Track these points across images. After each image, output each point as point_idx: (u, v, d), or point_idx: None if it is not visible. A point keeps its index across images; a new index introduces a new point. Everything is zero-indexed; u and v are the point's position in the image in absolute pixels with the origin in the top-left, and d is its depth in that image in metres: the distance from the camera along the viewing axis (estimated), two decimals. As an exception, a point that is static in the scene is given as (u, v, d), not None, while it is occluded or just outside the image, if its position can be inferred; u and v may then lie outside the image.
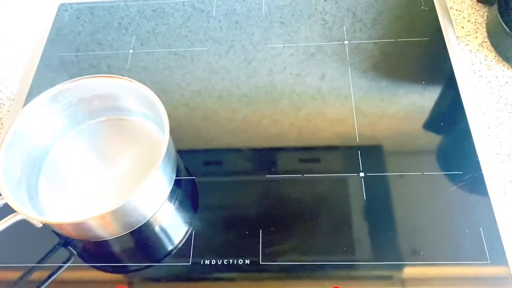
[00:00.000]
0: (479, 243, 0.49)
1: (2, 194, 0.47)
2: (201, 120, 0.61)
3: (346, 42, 0.66)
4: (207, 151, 0.59)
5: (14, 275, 0.51)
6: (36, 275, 0.51)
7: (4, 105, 0.65)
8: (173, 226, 0.53)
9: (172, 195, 0.55)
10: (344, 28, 0.67)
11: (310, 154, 0.57)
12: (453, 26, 0.65)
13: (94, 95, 0.55)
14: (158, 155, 0.48)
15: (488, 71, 0.61)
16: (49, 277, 0.51)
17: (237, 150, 0.58)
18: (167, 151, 0.49)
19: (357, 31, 0.67)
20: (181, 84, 0.64)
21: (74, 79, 0.54)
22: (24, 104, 0.63)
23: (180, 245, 0.51)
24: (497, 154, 0.54)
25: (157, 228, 0.53)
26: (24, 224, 0.48)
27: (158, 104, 0.51)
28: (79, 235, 0.51)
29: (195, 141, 0.59)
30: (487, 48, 0.63)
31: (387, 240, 0.50)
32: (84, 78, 0.54)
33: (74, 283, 0.50)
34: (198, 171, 0.57)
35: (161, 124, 0.52)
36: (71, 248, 0.53)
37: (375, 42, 0.65)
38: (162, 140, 0.54)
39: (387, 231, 0.50)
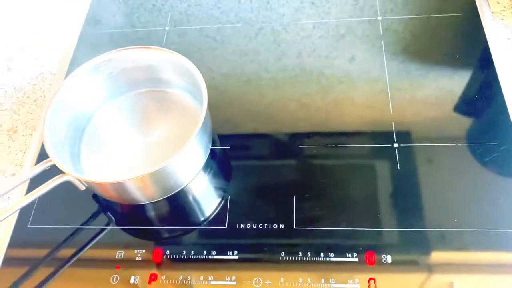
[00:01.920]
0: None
1: (50, 156, 0.49)
2: (232, 102, 0.62)
3: (379, 17, 0.66)
4: (241, 134, 0.60)
5: (57, 236, 0.53)
6: (78, 237, 0.53)
7: (46, 79, 0.68)
8: (209, 192, 0.55)
9: (208, 164, 0.56)
10: (377, 5, 0.68)
11: (344, 127, 0.58)
12: (488, 1, 0.65)
13: (134, 67, 0.57)
14: (195, 125, 0.49)
15: (524, 45, 0.60)
16: (91, 239, 0.53)
17: (273, 126, 0.59)
18: (205, 119, 0.50)
19: (388, 9, 0.67)
20: (211, 67, 0.66)
21: (115, 50, 0.56)
22: (65, 78, 0.65)
23: (216, 210, 0.53)
24: (533, 126, 0.54)
25: (193, 195, 0.55)
26: (65, 189, 0.50)
27: (197, 74, 0.53)
28: (119, 197, 0.52)
29: (228, 124, 0.60)
30: (523, 22, 0.62)
31: (421, 209, 0.50)
32: (124, 49, 0.56)
33: (114, 246, 0.52)
34: (232, 143, 0.58)
35: (198, 96, 0.53)
36: (110, 213, 0.55)
37: (409, 18, 0.65)
38: (199, 110, 0.56)
39: (421, 200, 0.51)
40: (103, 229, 0.53)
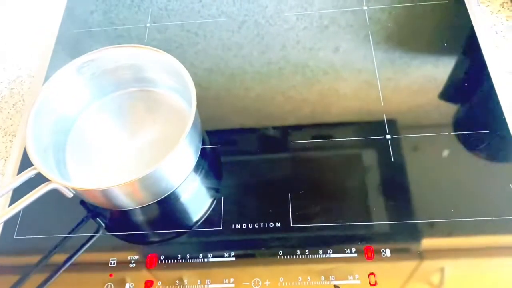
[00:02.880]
0: (510, 199, 0.49)
1: (34, 164, 0.47)
2: (217, 98, 0.60)
3: (365, 7, 0.65)
4: (231, 128, 0.59)
5: (45, 245, 0.51)
6: (66, 246, 0.51)
7: (24, 82, 0.65)
8: (201, 193, 0.54)
9: (198, 164, 0.55)
10: (362, -6, 0.67)
11: (335, 120, 0.57)
12: (473, -13, 0.65)
13: (117, 66, 0.55)
14: (184, 125, 0.48)
15: (510, 32, 0.60)
16: (80, 247, 0.51)
17: (262, 122, 0.58)
18: (194, 119, 0.49)
19: (374, -3, 0.66)
20: (193, 62, 0.64)
21: (97, 50, 0.54)
22: (44, 81, 0.63)
23: (210, 211, 0.52)
24: (524, 112, 0.54)
25: (185, 196, 0.53)
26: (51, 197, 0.48)
27: (184, 73, 0.51)
28: (108, 203, 0.51)
29: (227, 118, 0.59)
30: (508, 8, 0.62)
31: (417, 200, 0.50)
32: (107, 48, 0.54)
33: (104, 253, 0.50)
34: (222, 141, 0.57)
35: (185, 94, 0.52)
36: (99, 219, 0.53)
37: (394, 7, 0.65)
38: (187, 110, 0.55)
39: (417, 191, 0.50)
40: (93, 236, 0.52)
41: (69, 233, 0.52)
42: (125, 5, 0.72)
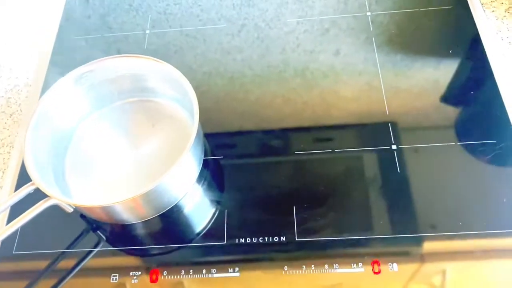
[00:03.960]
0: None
1: (32, 179, 0.46)
2: (216, 102, 0.59)
3: (368, 13, 0.64)
4: (232, 133, 0.58)
5: (45, 261, 0.50)
6: (67, 261, 0.50)
7: (21, 91, 0.64)
8: (205, 206, 0.53)
9: (201, 176, 0.54)
10: (366, 0, 0.66)
11: (339, 130, 0.56)
12: (478, -7, 0.64)
13: (117, 76, 0.54)
14: (185, 135, 0.47)
15: (516, 37, 0.59)
16: (80, 262, 0.50)
17: (264, 130, 0.57)
18: (197, 131, 0.48)
19: (377, 5, 0.65)
20: (192, 67, 0.63)
21: (96, 60, 0.53)
22: (42, 90, 0.62)
23: (213, 225, 0.51)
24: (531, 121, 0.53)
25: (188, 210, 0.52)
26: (50, 211, 0.47)
27: (186, 84, 0.50)
28: (109, 218, 0.50)
29: (228, 122, 0.58)
30: (513, 14, 0.62)
31: (425, 211, 0.49)
32: (106, 58, 0.53)
33: (106, 269, 0.49)
34: (225, 152, 0.56)
35: (187, 104, 0.51)
36: (100, 233, 0.52)
37: (398, 13, 0.64)
38: (188, 120, 0.54)
39: (425, 202, 0.49)
40: (94, 252, 0.51)
41: (69, 248, 0.51)
42: (123, 9, 0.70)
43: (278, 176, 0.53)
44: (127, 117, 0.56)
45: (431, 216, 0.48)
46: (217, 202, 0.52)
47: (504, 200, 0.49)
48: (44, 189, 0.45)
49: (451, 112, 0.55)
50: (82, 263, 0.50)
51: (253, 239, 0.49)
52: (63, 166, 0.53)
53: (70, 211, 0.48)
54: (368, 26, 0.63)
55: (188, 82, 0.50)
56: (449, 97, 0.56)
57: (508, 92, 0.55)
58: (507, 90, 0.55)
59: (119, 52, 0.65)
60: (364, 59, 0.60)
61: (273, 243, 0.49)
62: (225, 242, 0.49)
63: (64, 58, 0.66)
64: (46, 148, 0.51)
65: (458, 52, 0.59)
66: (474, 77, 0.57)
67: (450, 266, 0.46)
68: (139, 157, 0.54)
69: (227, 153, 0.56)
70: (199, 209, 0.52)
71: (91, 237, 0.52)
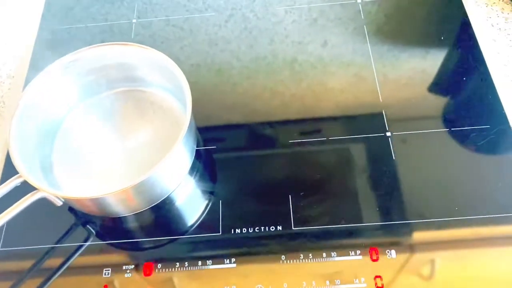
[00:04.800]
0: (513, 196, 0.48)
1: (19, 172, 0.44)
2: (205, 94, 0.58)
3: (359, 1, 0.64)
4: (222, 125, 0.57)
5: (33, 257, 0.48)
6: (56, 256, 0.48)
7: (3, 83, 0.62)
8: (198, 197, 0.51)
9: (193, 166, 0.52)
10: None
11: (333, 119, 0.55)
12: (467, -20, 0.64)
13: (105, 65, 0.52)
14: (177, 125, 0.46)
15: (506, 23, 0.60)
16: (70, 257, 0.48)
17: (260, 119, 0.56)
18: (190, 120, 0.47)
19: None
20: (179, 58, 0.61)
21: (83, 48, 0.51)
22: (25, 81, 0.59)
23: (208, 216, 0.49)
24: (523, 106, 0.54)
25: (181, 201, 0.51)
26: (38, 205, 0.45)
27: (177, 72, 0.49)
28: (100, 211, 0.48)
29: (216, 114, 0.57)
30: (503, 0, 0.62)
31: (421, 197, 0.49)
32: (94, 47, 0.51)
33: (98, 263, 0.48)
34: (217, 142, 0.55)
35: (178, 93, 0.49)
36: (90, 227, 0.50)
37: (388, 0, 0.63)
38: (179, 109, 0.52)
39: (421, 190, 0.49)
40: (84, 246, 0.49)
41: (58, 243, 0.49)
42: (107, 0, 0.68)
43: (273, 165, 0.52)
44: (116, 107, 0.55)
45: (429, 202, 0.48)
46: (211, 193, 0.51)
47: (500, 184, 0.49)
48: (32, 181, 0.43)
49: (445, 99, 0.55)
50: (72, 258, 0.48)
51: (249, 229, 0.48)
52: (51, 158, 0.51)
53: (59, 204, 0.46)
54: (359, 14, 0.63)
55: (179, 70, 0.49)
56: (441, 84, 0.56)
57: (500, 78, 0.55)
58: (499, 76, 0.55)
59: (104, 42, 0.63)
60: (355, 48, 0.60)
61: (270, 233, 0.48)
62: (220, 233, 0.48)
63: (47, 49, 0.64)
64: (33, 140, 0.49)
65: (449, 39, 0.59)
66: (466, 63, 0.57)
67: (449, 252, 0.46)
68: (130, 147, 0.52)
69: (219, 144, 0.54)
70: (193, 201, 0.51)
71: (81, 231, 0.50)
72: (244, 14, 0.65)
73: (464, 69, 0.57)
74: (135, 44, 0.51)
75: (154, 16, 0.66)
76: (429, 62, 0.58)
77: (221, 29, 0.64)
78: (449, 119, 0.53)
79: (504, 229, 0.47)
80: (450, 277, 0.44)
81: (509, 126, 0.52)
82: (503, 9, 0.61)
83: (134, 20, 0.65)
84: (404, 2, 0.63)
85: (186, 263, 0.47)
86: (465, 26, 0.60)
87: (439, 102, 0.55)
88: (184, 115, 0.46)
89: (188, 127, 0.46)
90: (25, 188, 0.45)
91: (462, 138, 0.52)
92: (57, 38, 0.65)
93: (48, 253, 0.49)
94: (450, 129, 0.52)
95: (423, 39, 0.60)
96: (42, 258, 0.48)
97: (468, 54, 0.58)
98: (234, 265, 0.46)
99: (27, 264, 0.48)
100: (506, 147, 0.51)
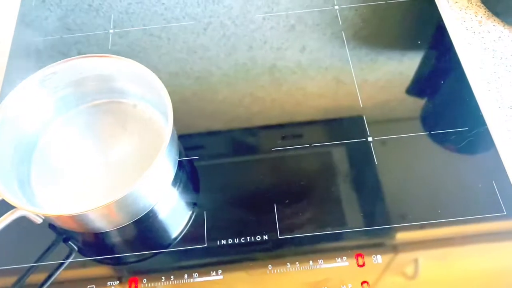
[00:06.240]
0: (493, 196, 0.49)
1: (-4, 190, 0.43)
2: (185, 102, 0.58)
3: (336, 7, 0.64)
4: (204, 133, 0.56)
5: (13, 277, 0.47)
6: (37, 275, 0.47)
7: (-23, 98, 0.60)
8: (182, 209, 0.51)
9: (176, 178, 0.52)
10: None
11: (315, 124, 0.56)
12: (441, -16, 0.65)
13: (83, 77, 0.51)
14: (158, 137, 0.45)
15: (480, 27, 0.61)
16: (51, 275, 0.47)
17: (242, 126, 0.56)
18: (172, 131, 0.46)
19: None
20: (157, 67, 0.61)
21: (60, 61, 0.50)
22: (0, 96, 0.58)
23: (193, 228, 0.49)
24: (499, 107, 0.55)
25: (165, 214, 0.50)
26: (16, 223, 0.43)
27: (156, 82, 0.48)
28: (81, 227, 0.47)
29: (197, 123, 0.56)
30: (476, 4, 0.63)
31: (405, 201, 0.49)
32: (71, 59, 0.50)
33: (83, 281, 0.47)
34: (199, 152, 0.54)
35: (158, 104, 0.49)
36: (72, 243, 0.49)
37: (366, 6, 0.64)
38: (160, 120, 0.52)
39: (403, 194, 0.50)
40: (66, 263, 0.48)
41: (39, 261, 0.48)
42: (82, 10, 0.67)
43: (256, 173, 0.52)
44: (95, 119, 0.54)
45: (412, 205, 0.49)
46: (195, 204, 0.51)
47: (480, 185, 0.50)
48: (10, 199, 0.42)
49: (423, 101, 0.56)
50: (54, 276, 0.47)
51: (235, 239, 0.48)
52: (29, 173, 0.50)
53: (39, 222, 0.45)
54: (336, 19, 0.63)
55: (159, 81, 0.48)
56: (419, 87, 0.57)
57: (476, 81, 0.56)
58: (475, 79, 0.56)
59: (80, 53, 0.62)
60: (334, 53, 0.60)
61: (256, 243, 0.47)
62: (206, 245, 0.48)
63: (22, 61, 0.63)
64: (9, 156, 0.47)
65: (425, 42, 0.60)
66: (443, 66, 0.58)
67: (432, 253, 0.46)
68: (110, 161, 0.51)
69: (202, 153, 0.54)
70: (177, 213, 0.51)
71: (63, 248, 0.49)
72: (222, 22, 0.65)
73: (441, 71, 0.58)
74: (113, 55, 0.50)
75: (131, 25, 0.65)
76: (406, 65, 0.59)
77: (200, 37, 0.64)
78: (428, 122, 0.54)
79: (484, 227, 0.47)
80: (435, 279, 0.45)
81: (487, 127, 0.53)
82: (476, 12, 0.62)
83: (111, 30, 0.64)
84: (381, 7, 0.64)
85: (172, 276, 0.46)
86: (441, 30, 0.61)
87: (418, 105, 0.56)
88: (165, 126, 0.45)
89: (170, 138, 0.45)
90: (3, 206, 0.43)
91: (441, 141, 0.53)
92: (31, 50, 0.63)
93: (30, 271, 0.47)
94: (429, 132, 0.53)
95: (400, 43, 0.61)
96: (23, 276, 0.47)
97: (444, 57, 0.59)
98: (221, 276, 0.46)
99: (7, 283, 0.47)
100: (485, 148, 0.52)
